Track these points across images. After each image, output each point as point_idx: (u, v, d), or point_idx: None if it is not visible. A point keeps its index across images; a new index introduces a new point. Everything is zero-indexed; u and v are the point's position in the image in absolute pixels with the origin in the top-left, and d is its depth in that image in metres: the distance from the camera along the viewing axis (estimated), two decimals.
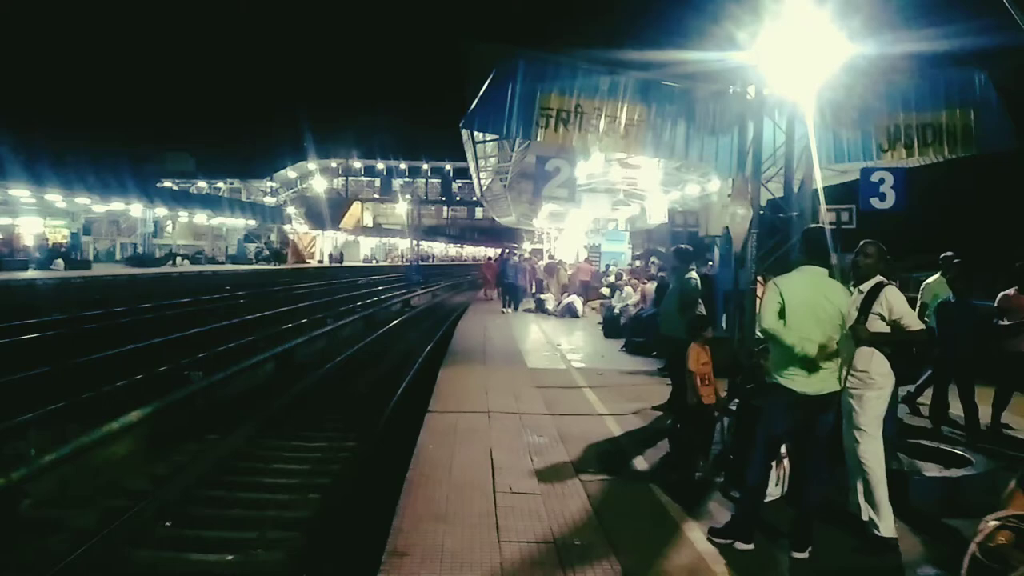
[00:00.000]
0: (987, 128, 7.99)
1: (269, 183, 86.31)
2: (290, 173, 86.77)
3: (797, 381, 3.93)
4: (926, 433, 6.39)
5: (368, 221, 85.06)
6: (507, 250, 30.78)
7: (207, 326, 16.38)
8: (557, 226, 30.81)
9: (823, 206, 8.32)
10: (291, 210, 66.31)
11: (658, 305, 8.93)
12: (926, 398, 7.17)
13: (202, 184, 79.09)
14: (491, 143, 14.73)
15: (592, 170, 15.02)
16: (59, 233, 40.55)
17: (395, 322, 21.14)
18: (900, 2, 6.87)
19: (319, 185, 77.85)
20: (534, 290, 21.94)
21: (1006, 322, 6.56)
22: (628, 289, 14.79)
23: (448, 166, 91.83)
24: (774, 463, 4.57)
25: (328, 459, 7.50)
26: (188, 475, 6.61)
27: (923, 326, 4.22)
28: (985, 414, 6.58)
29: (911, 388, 7.40)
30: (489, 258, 43.98)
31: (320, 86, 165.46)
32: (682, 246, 7.91)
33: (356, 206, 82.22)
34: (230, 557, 5.08)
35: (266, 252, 56.49)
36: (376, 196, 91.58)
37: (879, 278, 4.22)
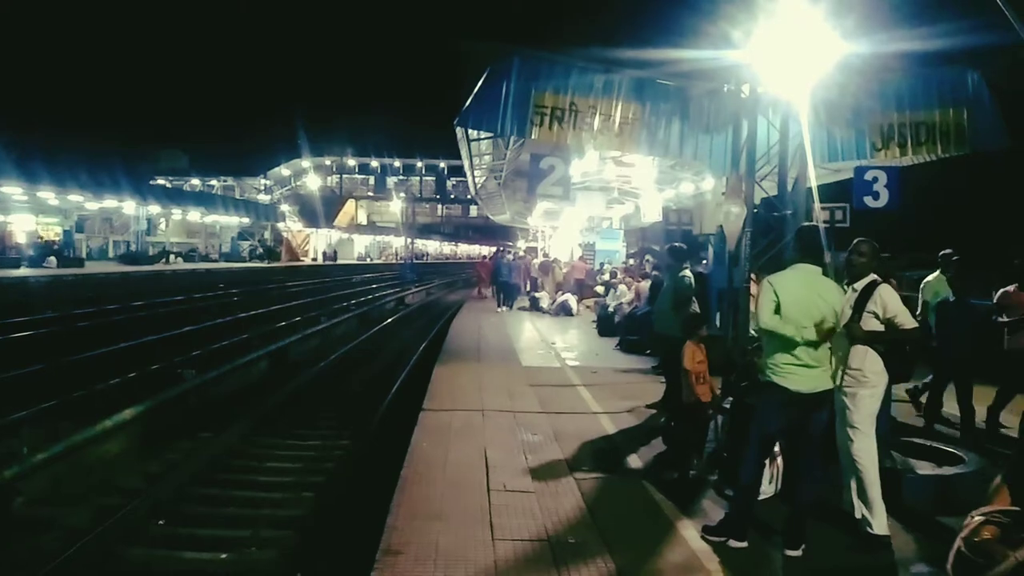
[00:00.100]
0: (980, 127, 8.03)
1: (263, 180, 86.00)
2: (284, 171, 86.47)
3: (791, 379, 3.94)
4: (919, 431, 6.42)
5: (362, 219, 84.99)
6: (502, 248, 30.76)
7: (200, 324, 16.31)
8: (552, 224, 30.85)
9: (817, 204, 8.38)
10: (285, 208, 66.17)
11: (652, 303, 8.94)
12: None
13: (195, 182, 78.73)
14: (485, 141, 14.69)
15: (586, 168, 15.01)
16: (52, 230, 40.44)
17: (389, 320, 21.10)
18: (893, 1, 6.89)
19: (313, 183, 77.72)
20: (529, 288, 21.94)
21: (1005, 319, 6.58)
22: (622, 287, 14.83)
23: (443, 164, 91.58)
24: (768, 461, 4.58)
25: (322, 457, 7.48)
26: (181, 473, 6.58)
27: (916, 324, 4.24)
28: (982, 414, 6.57)
29: (908, 387, 7.40)
30: (484, 256, 43.99)
31: (315, 83, 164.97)
32: (676, 244, 7.92)
33: (350, 204, 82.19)
34: (224, 555, 5.06)
35: (260, 250, 56.40)
36: (370, 194, 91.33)
37: (873, 276, 4.24)
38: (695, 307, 7.21)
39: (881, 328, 4.12)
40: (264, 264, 49.67)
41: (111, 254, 45.54)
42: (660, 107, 8.47)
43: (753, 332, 6.65)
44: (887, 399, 4.72)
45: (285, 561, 5.05)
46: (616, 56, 8.55)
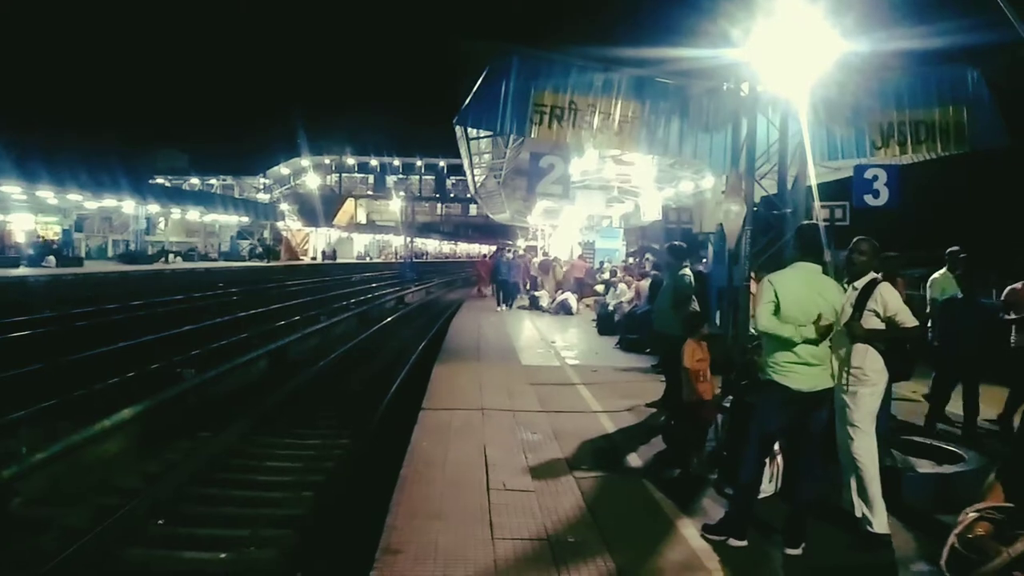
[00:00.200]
0: (979, 125, 8.02)
1: (262, 180, 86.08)
2: (283, 170, 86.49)
3: (791, 378, 3.93)
4: (920, 429, 6.41)
5: (361, 218, 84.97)
6: (502, 247, 30.75)
7: (200, 323, 16.30)
8: (551, 223, 30.83)
9: (817, 203, 8.37)
10: (284, 207, 66.14)
11: (652, 302, 8.93)
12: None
13: (195, 181, 78.80)
14: (485, 140, 14.69)
15: (586, 167, 15.00)
16: (51, 230, 40.42)
17: (389, 319, 21.09)
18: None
19: (312, 182, 77.63)
20: (528, 287, 21.93)
21: (1013, 316, 6.56)
22: (622, 286, 14.82)
23: (442, 163, 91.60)
24: (768, 460, 4.58)
25: (321, 456, 7.47)
26: (181, 473, 6.58)
27: (917, 323, 4.23)
28: (985, 413, 6.52)
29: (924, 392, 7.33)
30: (484, 255, 43.95)
31: (314, 82, 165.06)
32: (676, 243, 7.91)
33: (349, 203, 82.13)
34: (223, 555, 5.05)
35: (259, 249, 56.35)
36: (370, 193, 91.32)
37: (873, 275, 4.23)
38: (695, 305, 7.20)
39: (882, 326, 4.12)
40: (263, 263, 49.65)
41: (110, 253, 45.52)
42: (659, 105, 8.46)
43: (753, 331, 6.64)
44: (887, 397, 4.72)
45: (284, 560, 5.04)
46: (615, 55, 8.56)
